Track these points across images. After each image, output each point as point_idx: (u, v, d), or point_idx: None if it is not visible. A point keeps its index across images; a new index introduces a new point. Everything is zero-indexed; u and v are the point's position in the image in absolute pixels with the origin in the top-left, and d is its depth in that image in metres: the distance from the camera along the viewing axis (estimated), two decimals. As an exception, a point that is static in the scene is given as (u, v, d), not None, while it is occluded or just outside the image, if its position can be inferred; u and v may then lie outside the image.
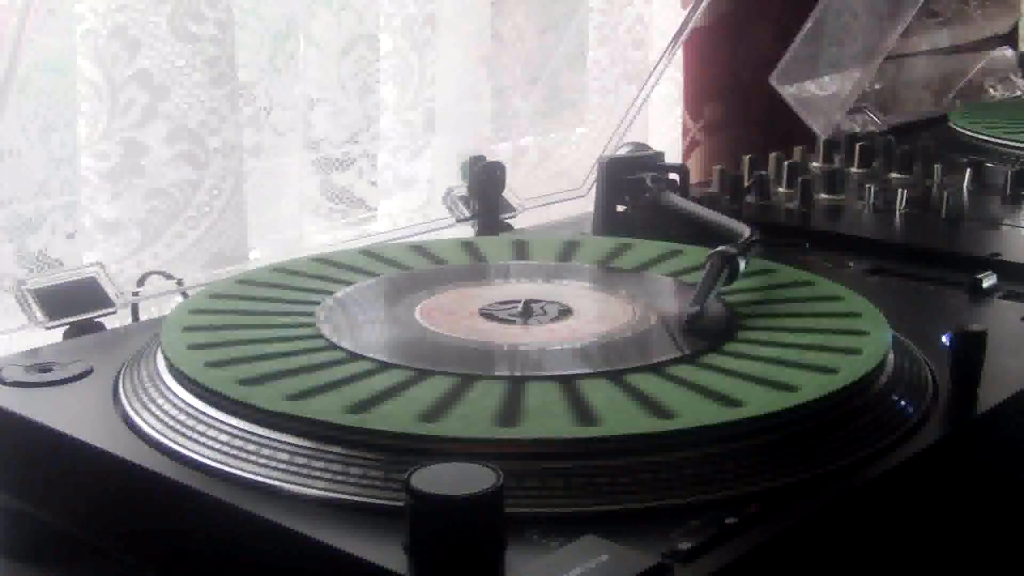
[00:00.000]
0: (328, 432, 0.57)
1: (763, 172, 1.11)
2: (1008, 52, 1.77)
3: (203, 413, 0.61)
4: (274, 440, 0.57)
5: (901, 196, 1.06)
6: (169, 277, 0.88)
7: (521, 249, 0.88)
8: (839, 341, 0.68)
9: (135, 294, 0.84)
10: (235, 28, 0.94)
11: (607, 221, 0.98)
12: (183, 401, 0.62)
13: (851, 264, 0.91)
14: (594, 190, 1.02)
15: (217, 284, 0.81)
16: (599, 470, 0.54)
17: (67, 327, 0.78)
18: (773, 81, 1.16)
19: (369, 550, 0.49)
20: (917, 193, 1.09)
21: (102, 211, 0.90)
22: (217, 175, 0.94)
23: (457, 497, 0.47)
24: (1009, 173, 1.11)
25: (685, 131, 1.44)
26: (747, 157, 1.14)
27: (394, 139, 1.11)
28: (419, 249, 0.88)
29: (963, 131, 1.35)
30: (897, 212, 1.05)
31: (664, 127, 1.39)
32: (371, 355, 0.66)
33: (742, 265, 0.77)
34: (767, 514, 0.53)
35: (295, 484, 0.55)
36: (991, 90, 1.70)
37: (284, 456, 0.56)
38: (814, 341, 0.69)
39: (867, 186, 1.09)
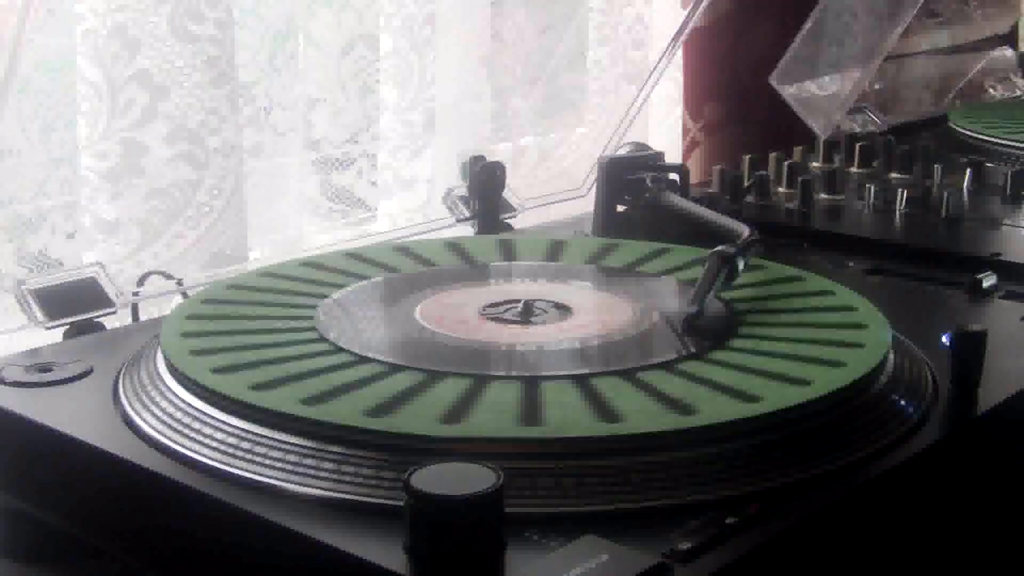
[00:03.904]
0: (329, 432, 0.57)
1: (763, 172, 1.11)
2: (1008, 52, 1.77)
3: (203, 413, 0.61)
4: (274, 440, 0.57)
5: (901, 196, 1.06)
6: (169, 277, 0.88)
7: (608, 250, 0.88)
8: (838, 341, 0.68)
9: (135, 294, 0.84)
10: (235, 28, 0.94)
11: (607, 221, 0.98)
12: (183, 401, 0.62)
13: (851, 264, 0.91)
14: (594, 190, 1.02)
15: (217, 283, 0.81)
16: (599, 470, 0.54)
17: (67, 327, 0.78)
18: (773, 81, 1.16)
19: (369, 550, 0.49)
20: (917, 193, 1.09)
21: (102, 211, 0.90)
22: (217, 175, 0.94)
23: (457, 497, 0.47)
24: (1009, 173, 1.11)
25: (685, 131, 1.44)
26: (747, 157, 1.14)
27: (394, 139, 1.11)
28: (453, 247, 0.88)
29: (963, 131, 1.35)
30: (897, 212, 1.05)
31: (664, 127, 1.39)
32: (372, 355, 0.66)
33: (741, 265, 0.77)
34: (767, 514, 0.53)
35: (295, 484, 0.55)
36: (991, 90, 1.70)
37: (284, 456, 0.56)
38: (813, 341, 0.69)
39: (867, 186, 1.09)
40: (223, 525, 0.55)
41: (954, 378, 0.66)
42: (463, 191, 1.05)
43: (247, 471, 0.56)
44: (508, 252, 0.88)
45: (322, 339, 0.69)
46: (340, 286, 0.79)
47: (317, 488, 0.54)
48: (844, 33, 1.18)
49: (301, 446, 0.56)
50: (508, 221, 1.05)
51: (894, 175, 1.18)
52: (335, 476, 0.55)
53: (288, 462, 0.56)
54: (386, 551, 0.49)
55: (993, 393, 0.66)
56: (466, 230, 1.04)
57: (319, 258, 0.86)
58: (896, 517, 0.59)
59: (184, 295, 0.85)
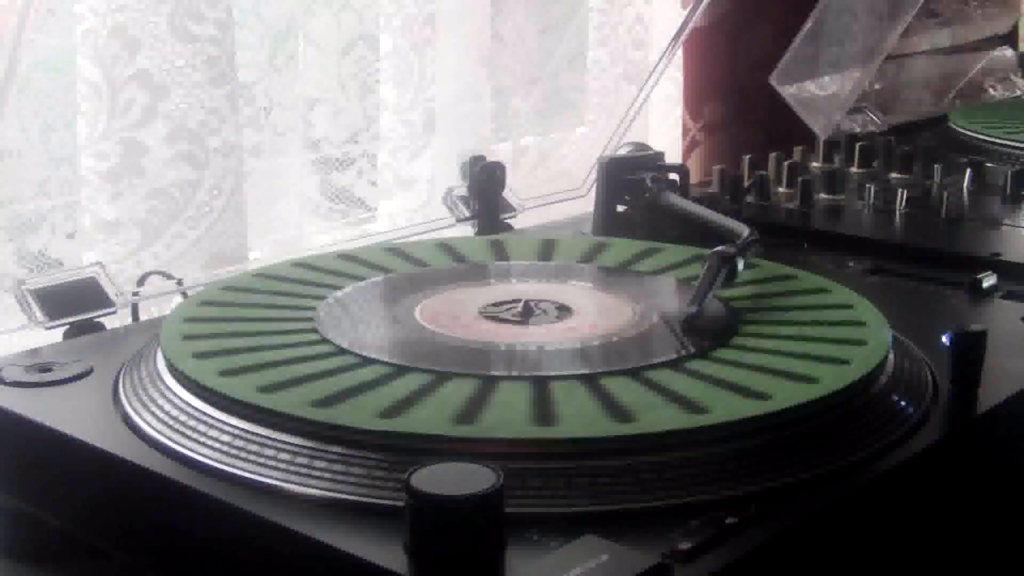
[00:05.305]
0: (328, 432, 0.57)
1: (763, 172, 1.11)
2: (1008, 52, 1.77)
3: (203, 413, 0.61)
4: (274, 440, 0.57)
5: (901, 196, 1.06)
6: (169, 277, 0.88)
7: (599, 249, 0.88)
8: (839, 341, 0.68)
9: (135, 294, 0.84)
10: (235, 28, 0.94)
11: (607, 221, 0.98)
12: (183, 401, 0.62)
13: (851, 264, 0.91)
14: (594, 190, 1.02)
15: (217, 283, 0.81)
16: (600, 470, 0.54)
17: (67, 327, 0.78)
18: (773, 81, 1.15)
19: (369, 550, 0.49)
20: (917, 193, 1.09)
21: (102, 211, 0.90)
22: (217, 175, 0.94)
23: (457, 497, 0.47)
24: (1009, 173, 1.11)
25: (685, 131, 1.44)
26: (747, 157, 1.14)
27: (394, 139, 1.11)
28: (496, 244, 0.88)
29: (963, 131, 1.35)
30: (897, 212, 1.05)
31: (664, 127, 1.39)
32: (371, 355, 0.66)
33: (740, 265, 0.77)
34: (767, 514, 0.53)
35: (295, 484, 0.55)
36: (991, 90, 1.70)
37: (284, 456, 0.56)
38: (813, 341, 0.69)
39: (867, 186, 1.09)
40: (223, 525, 0.55)
41: (954, 378, 0.66)
42: (463, 191, 1.05)
43: (247, 471, 0.56)
44: (501, 252, 0.88)
45: (324, 340, 0.69)
46: (342, 285, 0.79)
47: (317, 488, 0.54)
48: (844, 33, 1.18)
49: (302, 446, 0.56)
50: (508, 221, 1.05)
51: (894, 175, 1.18)
52: (335, 476, 0.55)
53: (288, 462, 0.56)
54: (386, 551, 0.49)
55: (993, 393, 0.66)
56: (466, 230, 1.04)
57: (356, 251, 0.86)
58: (896, 517, 0.59)
59: (184, 295, 0.85)
